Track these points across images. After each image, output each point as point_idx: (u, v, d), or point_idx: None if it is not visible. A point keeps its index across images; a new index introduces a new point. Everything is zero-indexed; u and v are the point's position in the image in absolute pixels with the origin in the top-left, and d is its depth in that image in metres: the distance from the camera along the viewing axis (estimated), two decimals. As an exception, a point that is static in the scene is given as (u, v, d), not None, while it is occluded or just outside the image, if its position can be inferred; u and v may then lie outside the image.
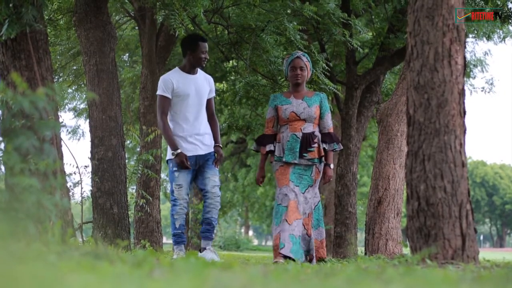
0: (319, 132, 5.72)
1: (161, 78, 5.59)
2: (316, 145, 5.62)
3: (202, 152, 5.52)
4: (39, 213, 3.20)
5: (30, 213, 3.14)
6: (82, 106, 14.44)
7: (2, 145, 3.18)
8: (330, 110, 6.06)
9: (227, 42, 9.19)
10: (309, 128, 5.64)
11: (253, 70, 8.96)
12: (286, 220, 5.38)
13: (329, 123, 5.75)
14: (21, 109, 3.11)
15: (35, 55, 5.87)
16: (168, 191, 17.92)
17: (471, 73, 13.54)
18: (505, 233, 69.81)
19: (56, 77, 12.01)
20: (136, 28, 11.86)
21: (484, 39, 11.25)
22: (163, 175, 20.48)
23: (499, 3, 8.22)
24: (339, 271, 3.00)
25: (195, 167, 5.53)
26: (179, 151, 5.40)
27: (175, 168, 5.46)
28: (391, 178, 8.18)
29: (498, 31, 10.98)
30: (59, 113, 6.33)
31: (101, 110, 6.99)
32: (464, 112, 3.97)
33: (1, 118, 3.67)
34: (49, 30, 9.17)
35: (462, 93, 3.97)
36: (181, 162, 5.38)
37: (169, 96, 5.51)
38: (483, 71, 13.72)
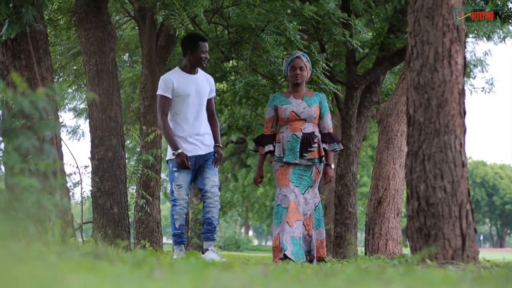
0: (319, 132, 5.72)
1: (162, 78, 5.59)
2: (316, 145, 5.61)
3: (202, 152, 5.52)
4: (39, 213, 3.19)
5: (30, 213, 3.14)
6: (82, 106, 14.44)
7: (2, 145, 3.18)
8: (330, 110, 6.06)
9: (227, 42, 9.19)
10: (309, 128, 5.64)
11: (253, 70, 8.96)
12: (287, 222, 5.39)
13: (329, 123, 5.75)
14: (21, 109, 3.11)
15: (35, 55, 5.87)
16: (168, 191, 17.92)
17: (471, 73, 13.54)
18: (505, 233, 69.81)
19: (56, 77, 12.01)
20: (136, 28, 11.86)
21: (484, 39, 11.25)
22: (163, 175, 20.47)
23: (499, 3, 8.22)
24: (339, 271, 3.00)
25: (195, 167, 5.52)
26: (179, 151, 5.39)
27: (175, 168, 5.46)
28: (391, 178, 8.18)
29: (498, 31, 10.99)
30: (59, 113, 6.33)
31: (101, 110, 6.99)
32: (464, 112, 3.97)
33: (1, 118, 3.67)
34: (49, 30, 9.17)
35: (462, 93, 3.97)
36: (182, 162, 5.38)
37: (170, 96, 5.50)
38: (483, 71, 13.73)
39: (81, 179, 6.97)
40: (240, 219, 43.50)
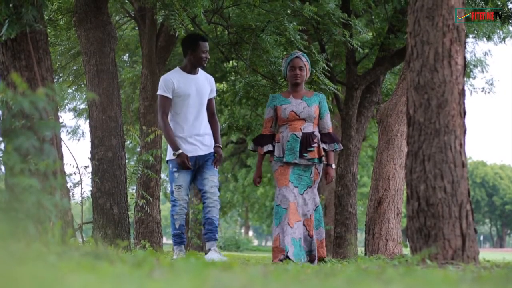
0: (319, 133, 5.72)
1: (162, 78, 5.58)
2: (316, 145, 5.61)
3: (202, 152, 5.51)
4: (39, 214, 3.19)
5: (30, 213, 3.14)
6: (82, 106, 14.44)
7: (2, 145, 3.18)
8: (330, 110, 6.06)
9: (227, 42, 9.19)
10: (309, 128, 5.64)
11: (253, 70, 8.95)
12: (288, 223, 5.39)
13: (329, 123, 5.75)
14: (21, 109, 3.11)
15: (35, 55, 5.87)
16: (168, 192, 17.92)
17: (471, 73, 13.54)
18: (505, 234, 69.80)
19: (56, 77, 12.01)
20: (136, 28, 11.86)
21: (484, 39, 11.25)
22: (163, 176, 20.47)
23: (499, 3, 8.22)
24: (339, 271, 3.00)
25: (195, 168, 5.52)
26: (180, 151, 5.39)
27: (175, 169, 5.45)
28: (391, 179, 8.18)
29: (498, 31, 10.98)
30: (59, 113, 6.33)
31: (101, 110, 6.99)
32: (464, 113, 3.97)
33: (1, 118, 3.67)
34: (49, 30, 9.17)
35: (462, 94, 3.97)
36: (183, 162, 5.37)
37: (170, 96, 5.50)
38: (483, 71, 13.73)
39: (81, 179, 6.98)
40: (240, 219, 43.52)
